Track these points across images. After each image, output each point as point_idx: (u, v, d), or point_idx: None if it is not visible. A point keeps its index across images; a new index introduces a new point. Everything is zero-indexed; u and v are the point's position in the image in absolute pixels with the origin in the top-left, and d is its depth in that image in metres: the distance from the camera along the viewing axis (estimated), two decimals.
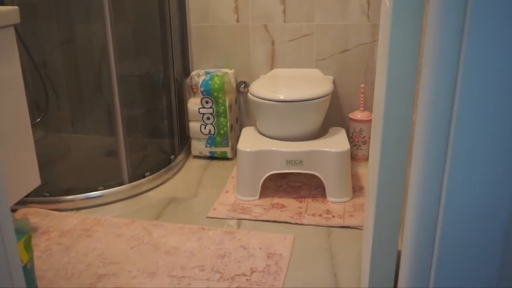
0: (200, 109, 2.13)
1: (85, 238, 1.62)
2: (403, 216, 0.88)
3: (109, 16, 1.74)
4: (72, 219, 1.74)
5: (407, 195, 0.74)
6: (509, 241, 0.63)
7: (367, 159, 2.15)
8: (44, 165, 2.15)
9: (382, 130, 0.85)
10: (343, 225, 1.66)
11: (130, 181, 1.92)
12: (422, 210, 0.67)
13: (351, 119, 2.14)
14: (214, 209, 1.79)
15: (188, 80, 2.20)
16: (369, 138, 2.11)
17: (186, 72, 2.29)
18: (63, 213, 1.78)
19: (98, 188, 1.86)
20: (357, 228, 1.64)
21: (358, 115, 2.12)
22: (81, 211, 1.81)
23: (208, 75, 2.15)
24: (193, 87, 2.17)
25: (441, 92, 0.60)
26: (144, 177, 1.96)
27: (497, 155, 0.58)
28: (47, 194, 1.84)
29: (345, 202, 1.80)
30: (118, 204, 1.86)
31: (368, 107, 2.15)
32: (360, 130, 2.12)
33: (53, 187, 1.89)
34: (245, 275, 1.41)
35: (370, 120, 2.10)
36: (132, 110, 2.27)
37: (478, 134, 0.58)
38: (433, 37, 0.59)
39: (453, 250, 0.66)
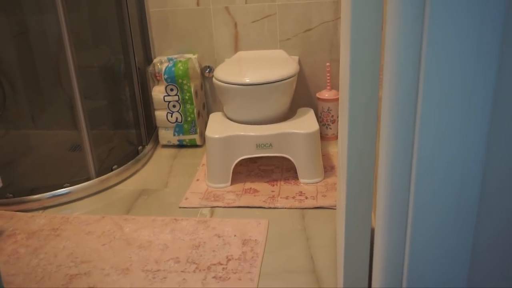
0: (165, 97, 2.08)
1: (53, 238, 1.57)
2: (375, 193, 0.89)
3: (61, 5, 1.66)
4: (39, 219, 1.68)
5: (377, 172, 0.73)
6: (480, 214, 0.62)
7: (336, 138, 2.15)
8: (5, 164, 2.06)
9: (349, 108, 0.84)
10: (316, 206, 1.66)
11: (98, 175, 1.87)
12: (393, 186, 0.67)
13: (318, 98, 2.13)
14: (186, 198, 1.76)
15: (150, 68, 2.14)
16: (338, 116, 2.11)
17: (149, 60, 2.23)
18: (29, 214, 1.72)
19: (65, 185, 1.80)
20: (330, 208, 1.64)
21: (325, 94, 2.12)
22: (48, 210, 1.75)
23: (171, 62, 2.10)
24: (157, 74, 2.11)
25: (406, 66, 0.58)
26: (111, 170, 1.91)
27: (464, 127, 0.57)
28: (11, 195, 1.77)
29: (317, 182, 1.80)
30: (87, 200, 1.81)
31: (335, 86, 2.14)
32: (328, 110, 2.12)
33: (17, 187, 1.82)
34: (221, 264, 1.39)
35: (338, 99, 2.09)
36: (94, 102, 2.20)
37: (445, 107, 0.57)
38: (395, 10, 0.57)
39: (425, 223, 0.65)
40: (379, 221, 0.73)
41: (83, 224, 1.64)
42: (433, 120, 0.58)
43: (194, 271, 1.37)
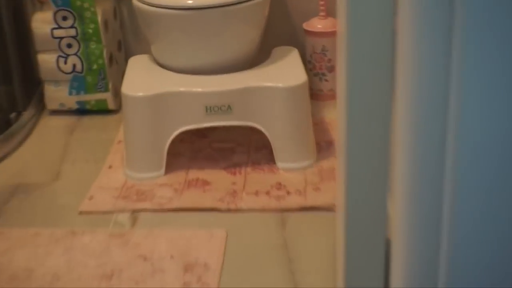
0: (55, 31, 2.06)
1: None
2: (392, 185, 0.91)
3: None
4: None
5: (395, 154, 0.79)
6: None
7: (336, 96, 2.15)
8: None
9: (347, 46, 0.84)
10: (304, 207, 1.66)
11: None
12: (421, 169, 0.74)
13: (307, 32, 2.13)
14: (91, 197, 1.74)
15: None
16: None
17: None
18: None
19: None
20: (327, 210, 1.64)
21: (317, 25, 2.12)
22: None
23: None
24: None
25: None
26: None
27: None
28: None
29: (305, 168, 1.80)
30: None
31: (332, 12, 2.12)
32: (322, 50, 2.12)
33: None
34: None
35: (336, 33, 2.08)
36: None
37: None
38: None
39: (467, 225, 0.74)
40: (398, 229, 0.80)
41: None
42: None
43: None
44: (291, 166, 1.80)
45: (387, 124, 0.90)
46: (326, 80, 2.14)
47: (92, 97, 2.13)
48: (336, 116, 2.03)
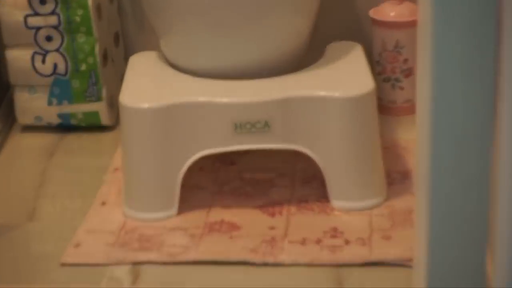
0: (29, 18, 2.09)
1: None
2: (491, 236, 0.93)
3: None
4: None
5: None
6: None
7: (414, 110, 2.15)
8: None
9: (432, 43, 0.86)
10: (369, 261, 1.66)
11: None
12: None
13: (375, 21, 2.15)
14: (77, 244, 1.75)
15: None
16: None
17: None
18: None
19: None
20: (399, 266, 1.64)
21: (389, 12, 2.14)
22: None
23: None
24: None
25: None
26: None
27: None
28: None
29: (371, 208, 1.81)
30: None
31: None
32: (396, 46, 2.13)
33: None
34: None
35: (415, 23, 2.09)
36: None
37: None
38: None
39: None
40: None
41: None
42: None
43: None
44: (351, 205, 1.81)
45: (486, 150, 0.90)
46: (401, 88, 2.16)
47: (79, 108, 2.15)
48: (414, 137, 2.03)
